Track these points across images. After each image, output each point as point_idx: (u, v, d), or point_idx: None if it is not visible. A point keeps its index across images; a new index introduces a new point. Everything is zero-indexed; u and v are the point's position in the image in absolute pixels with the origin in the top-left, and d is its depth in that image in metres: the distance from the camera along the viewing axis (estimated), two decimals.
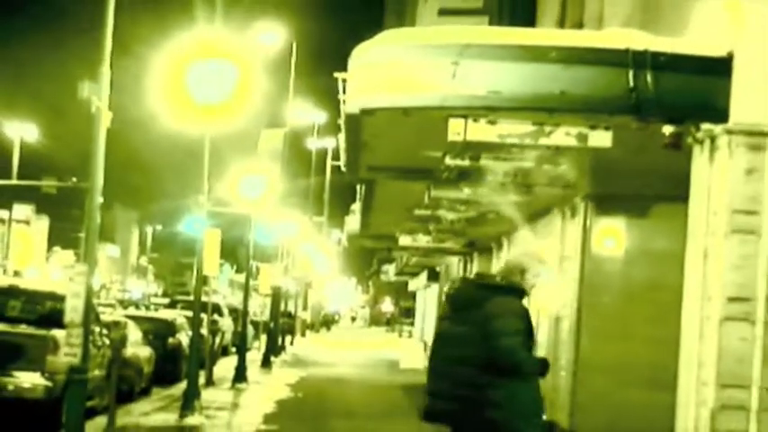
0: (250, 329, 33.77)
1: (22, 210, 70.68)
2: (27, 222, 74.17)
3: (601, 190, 14.37)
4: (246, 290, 28.41)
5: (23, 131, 57.77)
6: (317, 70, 37.20)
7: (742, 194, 9.02)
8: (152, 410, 18.05)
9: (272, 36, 33.65)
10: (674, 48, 9.26)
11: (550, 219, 16.84)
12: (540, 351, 13.09)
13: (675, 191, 10.32)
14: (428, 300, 48.75)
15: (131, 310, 35.88)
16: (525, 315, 7.46)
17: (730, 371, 8.96)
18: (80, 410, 12.75)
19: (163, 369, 22.47)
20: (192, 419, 16.79)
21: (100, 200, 13.07)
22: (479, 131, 9.85)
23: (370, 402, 23.02)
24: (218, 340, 28.19)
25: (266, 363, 31.20)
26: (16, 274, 57.05)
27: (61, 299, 13.53)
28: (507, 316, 7.32)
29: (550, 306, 15.67)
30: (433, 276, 43.17)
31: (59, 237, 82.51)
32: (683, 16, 9.74)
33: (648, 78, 9.12)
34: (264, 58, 30.55)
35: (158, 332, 24.20)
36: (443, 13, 15.37)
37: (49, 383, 14.16)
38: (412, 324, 70.46)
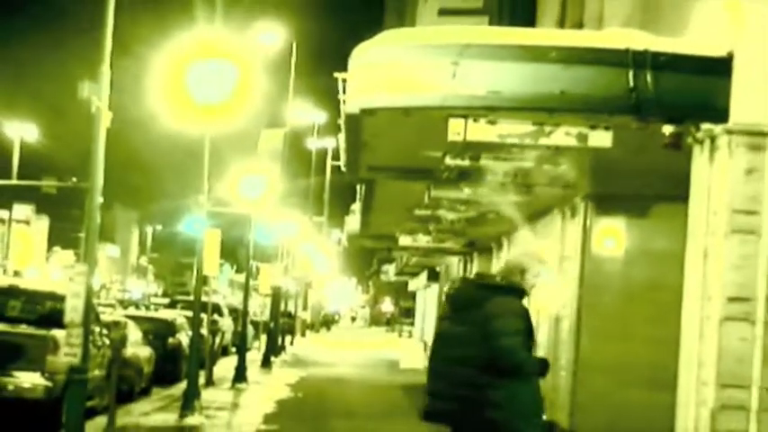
0: (250, 329, 33.78)
1: (22, 210, 70.73)
2: (27, 222, 74.21)
3: (601, 190, 14.38)
4: (246, 290, 28.42)
5: (23, 131, 57.79)
6: (317, 70, 37.24)
7: (742, 194, 9.02)
8: (152, 410, 18.06)
9: (272, 36, 33.68)
10: (674, 48, 9.26)
11: (550, 219, 16.86)
12: (540, 351, 13.10)
13: (675, 191, 10.33)
14: (428, 300, 48.76)
15: (131, 310, 35.89)
16: (525, 315, 7.45)
17: (730, 371, 8.96)
18: (80, 410, 12.75)
19: (163, 369, 22.48)
20: (191, 419, 16.81)
21: (100, 200, 13.07)
22: (479, 131, 9.85)
23: (370, 402, 23.03)
24: (218, 340, 28.20)
25: (266, 363, 31.21)
26: (16, 274, 57.07)
27: (61, 299, 13.53)
28: (507, 316, 7.31)
29: (550, 306, 15.68)
30: (433, 276, 43.19)
31: (59, 237, 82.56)
32: (683, 16, 9.75)
33: (648, 78, 9.12)
34: (264, 58, 30.60)
35: (158, 332, 24.21)
36: (443, 13, 15.38)
37: (49, 383, 14.17)
38: (412, 324, 70.51)
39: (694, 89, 9.27)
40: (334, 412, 20.30)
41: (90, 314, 12.98)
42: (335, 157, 44.60)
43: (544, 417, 7.58)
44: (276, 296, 37.02)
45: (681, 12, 9.84)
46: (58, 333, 13.86)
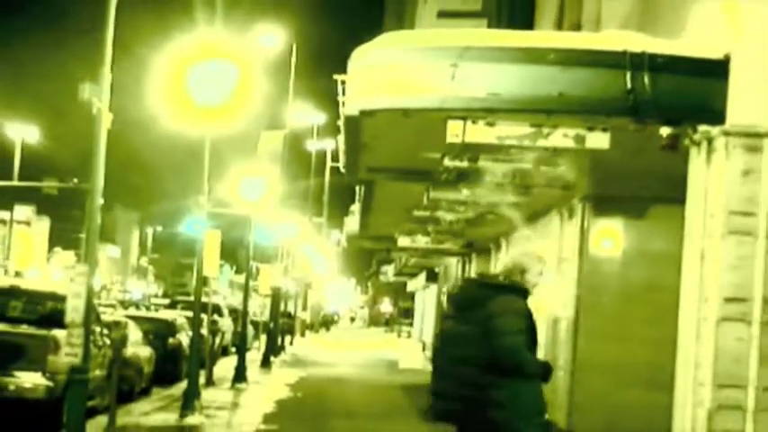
0: (250, 330, 33.83)
1: (23, 211, 70.79)
2: (28, 223, 74.26)
3: (599, 191, 14.43)
4: (246, 290, 28.46)
5: (24, 133, 57.81)
6: (317, 72, 37.21)
7: (739, 196, 9.06)
8: (152, 410, 18.10)
9: (272, 38, 33.72)
10: (672, 50, 9.30)
11: (549, 220, 16.90)
12: (539, 351, 13.13)
13: (673, 192, 10.37)
14: (427, 300, 48.80)
15: (132, 311, 35.89)
16: (527, 314, 7.46)
17: (727, 371, 9.00)
18: (81, 410, 12.78)
19: (163, 369, 22.51)
20: (192, 419, 16.85)
21: (100, 201, 13.10)
22: (478, 133, 9.89)
23: (369, 402, 23.06)
24: (218, 340, 28.23)
25: (266, 363, 31.25)
26: (17, 274, 57.08)
27: (62, 299, 13.57)
28: (509, 315, 7.32)
29: (548, 306, 15.72)
30: (432, 277, 43.23)
31: (60, 237, 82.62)
32: (680, 18, 9.79)
33: (646, 80, 9.16)
34: (264, 60, 30.63)
35: (158, 332, 24.25)
36: (442, 15, 15.44)
37: (50, 383, 14.21)
38: (411, 324, 70.54)
39: (691, 91, 9.31)
40: (333, 412, 20.33)
41: (91, 314, 13.02)
42: (335, 158, 44.60)
43: (546, 417, 7.62)
44: (276, 297, 37.08)
45: (678, 14, 9.89)
46: (59, 333, 13.90)
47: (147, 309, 43.61)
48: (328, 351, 46.07)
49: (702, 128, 9.28)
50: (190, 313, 22.54)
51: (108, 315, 22.71)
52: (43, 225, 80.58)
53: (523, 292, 7.57)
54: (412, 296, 66.88)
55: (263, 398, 21.70)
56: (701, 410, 9.08)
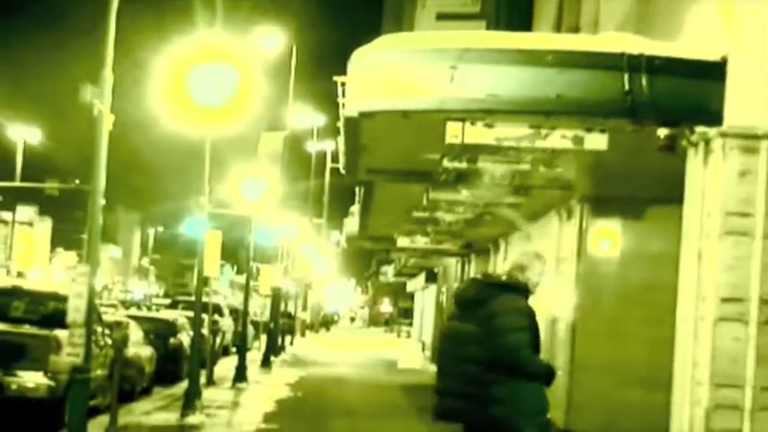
0: (250, 330, 33.87)
1: (25, 211, 70.86)
2: (30, 224, 74.36)
3: (597, 192, 14.47)
4: (247, 290, 28.50)
5: (26, 134, 57.79)
6: (317, 74, 37.19)
7: (735, 197, 9.11)
8: (153, 409, 18.14)
9: (273, 40, 33.79)
10: (669, 51, 9.35)
11: (547, 220, 16.95)
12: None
13: (670, 193, 10.42)
14: (426, 300, 48.84)
15: (133, 311, 35.92)
16: (530, 314, 7.51)
17: (724, 371, 9.04)
18: (82, 409, 12.79)
19: (164, 369, 22.55)
20: (193, 418, 16.89)
21: (102, 202, 13.13)
22: (477, 134, 9.94)
23: (368, 402, 23.10)
24: (218, 340, 28.29)
25: (266, 362, 31.29)
26: (19, 275, 57.19)
27: (64, 299, 13.59)
28: (511, 313, 7.38)
29: (547, 306, 15.77)
30: (431, 277, 43.27)
31: (62, 238, 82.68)
32: (677, 20, 9.85)
33: (643, 82, 9.21)
34: (265, 62, 30.69)
35: (160, 332, 24.29)
36: (441, 17, 15.48)
37: (51, 383, 14.27)
38: (410, 324, 70.55)
39: (689, 92, 9.35)
40: (333, 411, 20.37)
41: (92, 314, 13.03)
42: (335, 159, 44.64)
43: (548, 415, 7.68)
44: (276, 297, 37.12)
45: (675, 16, 9.94)
46: (61, 333, 13.92)
47: (149, 309, 43.65)
48: (328, 351, 46.10)
49: (700, 129, 9.33)
50: (191, 313, 22.58)
51: (109, 315, 22.76)
52: (45, 226, 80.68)
53: (526, 292, 7.63)
54: (411, 296, 66.90)
55: (263, 397, 21.75)
56: (699, 410, 9.12)
